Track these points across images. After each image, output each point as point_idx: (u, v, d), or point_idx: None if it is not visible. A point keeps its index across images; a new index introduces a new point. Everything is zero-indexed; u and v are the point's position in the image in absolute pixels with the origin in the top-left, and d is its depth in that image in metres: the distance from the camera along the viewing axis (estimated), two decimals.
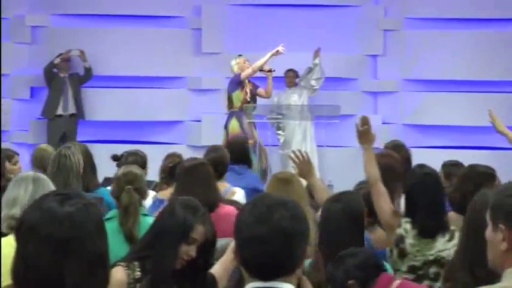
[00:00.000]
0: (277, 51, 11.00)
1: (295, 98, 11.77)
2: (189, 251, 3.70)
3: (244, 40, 12.44)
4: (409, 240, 4.82)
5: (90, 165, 6.33)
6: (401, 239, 4.83)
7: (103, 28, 12.54)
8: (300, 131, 11.54)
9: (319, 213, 5.00)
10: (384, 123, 12.24)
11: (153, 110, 12.46)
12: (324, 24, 12.41)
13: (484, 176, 5.31)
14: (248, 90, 10.97)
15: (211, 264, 3.90)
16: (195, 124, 12.61)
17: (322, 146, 11.53)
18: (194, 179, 5.29)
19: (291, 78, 11.91)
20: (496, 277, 3.30)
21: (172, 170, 6.08)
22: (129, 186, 4.79)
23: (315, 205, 5.33)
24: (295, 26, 12.36)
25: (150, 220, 4.83)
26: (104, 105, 12.41)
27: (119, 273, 3.65)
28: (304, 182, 5.32)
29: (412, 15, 12.58)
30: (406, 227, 4.84)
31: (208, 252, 3.83)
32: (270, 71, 11.09)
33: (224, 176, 6.40)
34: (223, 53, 12.58)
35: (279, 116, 11.33)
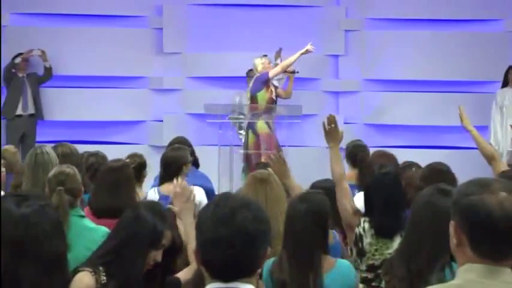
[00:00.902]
0: (307, 50, 10.72)
1: None
2: (156, 256, 3.71)
3: (206, 40, 12.43)
4: (367, 240, 4.85)
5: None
6: (360, 238, 4.87)
7: (64, 27, 12.45)
8: None
9: None
10: (345, 123, 12.28)
11: (114, 110, 12.40)
12: (285, 24, 12.42)
13: (441, 174, 5.38)
14: (273, 89, 10.71)
15: (173, 267, 3.91)
16: (156, 124, 12.57)
17: (284, 146, 11.53)
18: (111, 180, 5.29)
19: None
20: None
21: (134, 170, 6.05)
22: (61, 188, 4.64)
23: None
24: (257, 26, 12.37)
25: (86, 222, 4.77)
26: (64, 105, 12.32)
27: (86, 279, 3.61)
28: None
29: (373, 16, 12.64)
30: (364, 226, 4.87)
31: (173, 256, 3.84)
32: (293, 72, 10.83)
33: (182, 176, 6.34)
34: (184, 52, 12.56)
35: (241, 116, 11.29)
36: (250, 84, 10.76)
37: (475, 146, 6.28)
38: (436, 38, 12.47)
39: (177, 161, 6.37)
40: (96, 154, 6.68)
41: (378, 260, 4.81)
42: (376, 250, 4.82)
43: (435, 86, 12.46)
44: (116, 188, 5.25)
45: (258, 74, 10.73)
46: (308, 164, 11.01)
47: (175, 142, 7.44)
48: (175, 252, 3.85)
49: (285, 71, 10.74)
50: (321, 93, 12.62)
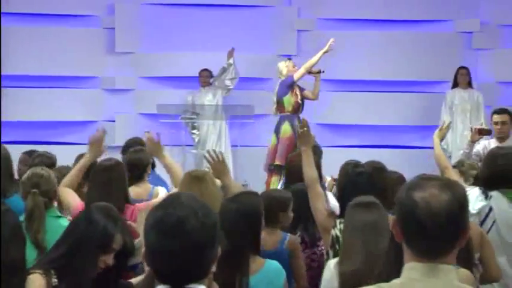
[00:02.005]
0: (329, 46, 10.64)
1: (210, 97, 11.78)
2: (106, 259, 3.69)
3: (158, 39, 12.40)
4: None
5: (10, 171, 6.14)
6: (336, 240, 4.77)
7: (14, 26, 12.31)
8: (215, 130, 11.55)
9: None
10: None
11: (66, 110, 12.30)
12: (238, 24, 12.44)
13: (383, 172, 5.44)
14: (299, 93, 10.59)
15: (123, 271, 3.90)
16: (108, 124, 12.47)
17: (237, 146, 11.55)
18: (104, 179, 5.28)
19: (205, 78, 11.92)
20: None
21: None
22: (35, 190, 4.65)
23: None
24: (210, 26, 12.36)
25: (63, 222, 4.76)
26: (15, 105, 12.19)
27: (38, 281, 3.59)
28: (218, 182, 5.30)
29: (325, 16, 12.70)
30: (340, 227, 4.74)
31: (125, 260, 3.83)
32: (319, 72, 10.68)
33: (145, 178, 6.34)
34: (136, 52, 12.52)
35: (193, 116, 11.29)
36: (276, 89, 10.67)
37: (426, 146, 6.37)
38: (387, 38, 12.58)
39: (142, 163, 6.38)
40: (42, 155, 6.63)
41: None
42: None
43: (386, 85, 12.56)
44: (108, 186, 5.23)
45: (282, 78, 10.66)
46: (260, 163, 11.03)
47: (132, 143, 7.36)
48: (126, 256, 3.84)
49: (309, 72, 10.64)
50: (273, 93, 12.64)
